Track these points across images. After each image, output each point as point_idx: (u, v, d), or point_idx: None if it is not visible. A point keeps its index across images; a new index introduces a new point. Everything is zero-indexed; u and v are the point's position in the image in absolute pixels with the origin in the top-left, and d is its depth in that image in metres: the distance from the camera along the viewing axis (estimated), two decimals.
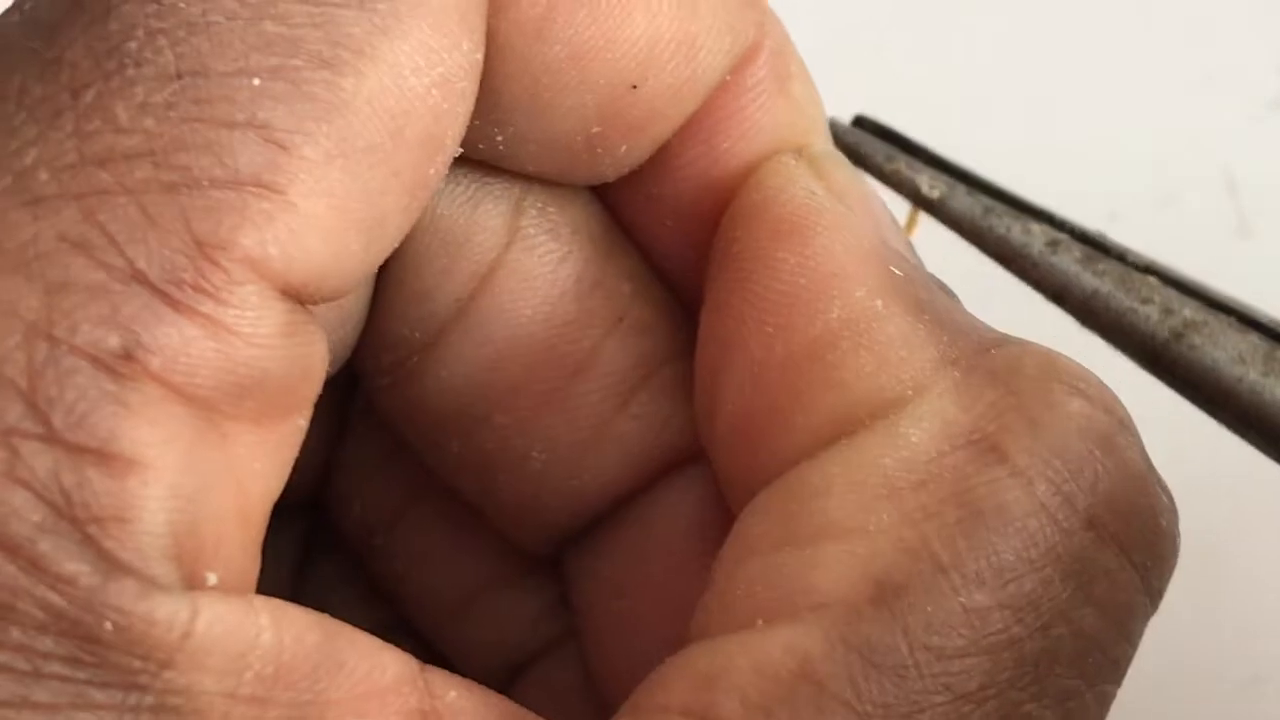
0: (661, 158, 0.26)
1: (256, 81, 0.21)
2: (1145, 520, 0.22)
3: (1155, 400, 0.28)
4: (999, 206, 0.29)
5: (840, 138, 0.29)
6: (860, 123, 0.30)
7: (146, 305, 0.20)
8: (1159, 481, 0.23)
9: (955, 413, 0.22)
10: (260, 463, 0.22)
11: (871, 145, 0.30)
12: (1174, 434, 0.29)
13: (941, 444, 0.22)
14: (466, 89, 0.23)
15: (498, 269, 0.27)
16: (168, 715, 0.19)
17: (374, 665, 0.21)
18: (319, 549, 0.31)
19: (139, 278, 0.20)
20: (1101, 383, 0.23)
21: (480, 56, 0.23)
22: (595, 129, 0.25)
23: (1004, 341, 0.24)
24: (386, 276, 0.27)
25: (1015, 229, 0.29)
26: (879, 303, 0.23)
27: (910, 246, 0.26)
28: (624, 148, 0.25)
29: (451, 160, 0.23)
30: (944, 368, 0.23)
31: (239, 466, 0.21)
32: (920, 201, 0.29)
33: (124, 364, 0.19)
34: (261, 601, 0.20)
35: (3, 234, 0.20)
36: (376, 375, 0.28)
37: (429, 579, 0.30)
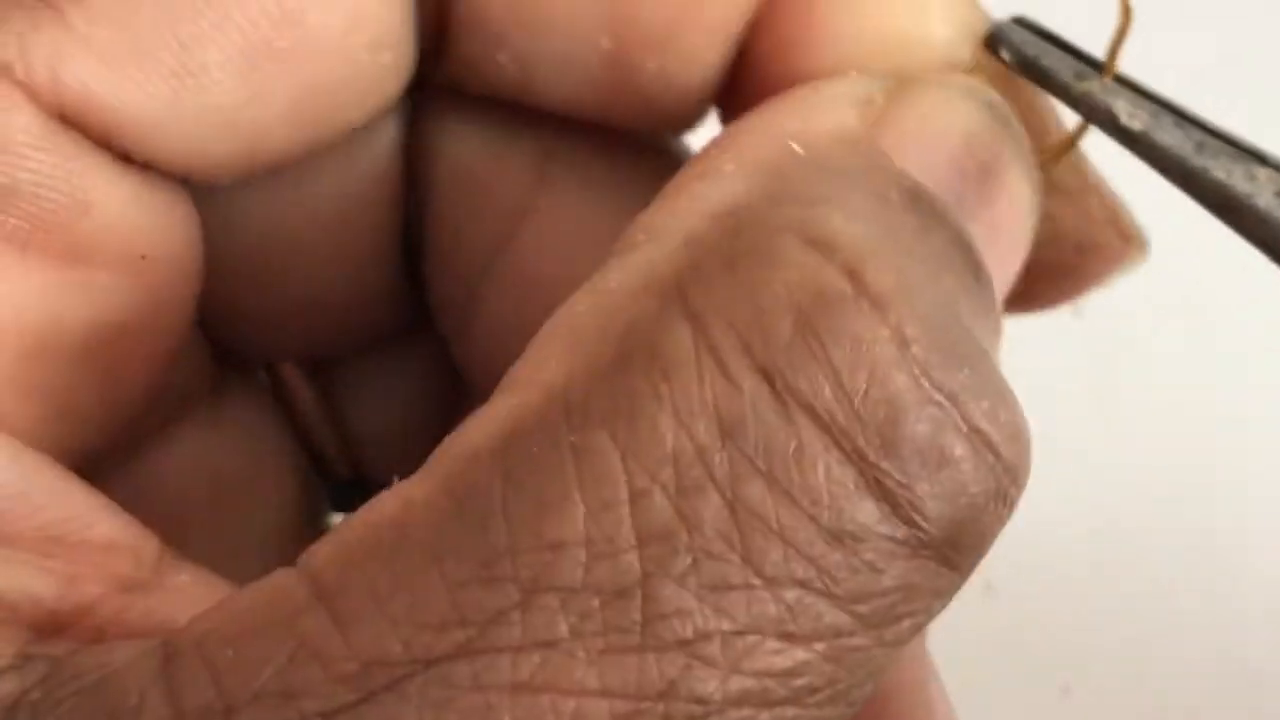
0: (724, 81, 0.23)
1: None
2: (882, 415, 0.19)
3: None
4: (1214, 144, 0.24)
5: (1017, 47, 0.24)
6: (1024, 25, 0.24)
7: None
8: (944, 391, 0.19)
9: (663, 259, 0.20)
10: (20, 293, 0.21)
11: (1056, 59, 0.24)
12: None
13: (635, 290, 0.20)
14: None
15: (529, 215, 0.26)
16: None
17: (80, 519, 0.20)
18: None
19: None
20: (870, 249, 0.19)
21: None
22: (605, 43, 0.23)
23: (785, 209, 0.20)
24: (428, 230, 0.26)
25: (1237, 173, 0.24)
26: (729, 166, 0.21)
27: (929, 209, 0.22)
28: (653, 65, 0.23)
29: (363, 58, 0.22)
30: (694, 218, 0.20)
31: None
32: (1118, 132, 0.24)
33: None
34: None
35: None
36: (449, 337, 0.27)
37: None
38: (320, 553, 0.19)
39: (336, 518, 0.31)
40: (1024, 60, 0.24)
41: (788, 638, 0.18)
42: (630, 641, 0.18)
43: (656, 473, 0.18)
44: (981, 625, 0.42)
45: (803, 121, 0.22)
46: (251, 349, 0.28)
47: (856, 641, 0.19)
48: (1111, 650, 0.43)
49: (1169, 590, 0.44)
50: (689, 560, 0.18)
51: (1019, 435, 0.20)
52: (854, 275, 0.19)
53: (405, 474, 0.29)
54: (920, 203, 0.21)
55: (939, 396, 0.19)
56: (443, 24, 0.24)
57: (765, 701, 0.18)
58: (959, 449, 0.19)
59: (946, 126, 0.22)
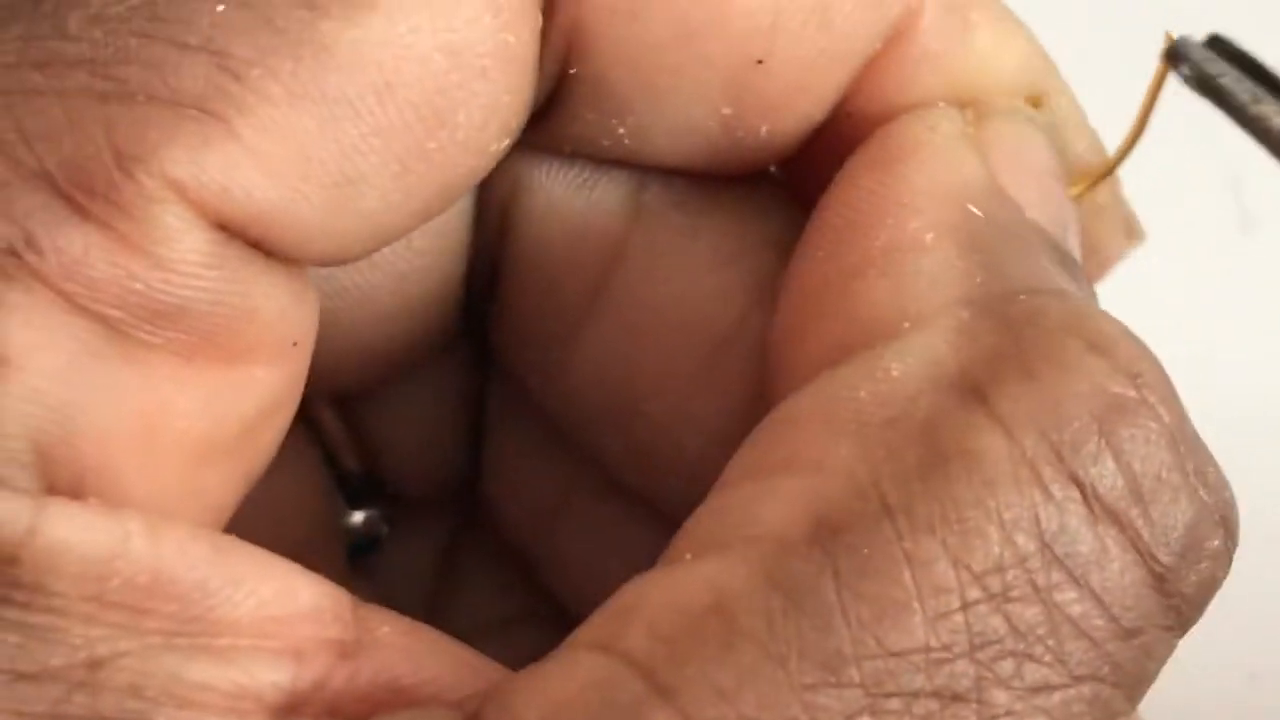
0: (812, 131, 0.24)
1: (221, 8, 0.20)
2: (1165, 512, 0.20)
3: None
4: None
5: (1197, 65, 0.25)
6: (1216, 45, 0.25)
7: (46, 206, 0.19)
8: (1201, 477, 0.21)
9: (945, 352, 0.21)
10: (187, 398, 0.21)
11: (1234, 80, 0.25)
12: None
13: (923, 382, 0.20)
14: (491, 69, 0.21)
15: (625, 249, 0.26)
16: (12, 610, 0.18)
17: (283, 589, 0.20)
18: (469, 545, 0.30)
19: (45, 177, 0.19)
20: (1139, 352, 0.21)
21: (513, 39, 0.22)
22: (726, 110, 0.24)
23: (1045, 293, 0.22)
24: (513, 268, 0.26)
25: None
26: (929, 236, 0.22)
27: (1064, 225, 0.24)
28: (765, 128, 0.24)
29: (485, 148, 0.22)
30: (954, 307, 0.21)
31: (148, 395, 0.20)
32: None
33: (8, 259, 0.19)
34: (134, 512, 0.19)
35: None
36: (525, 371, 0.27)
37: (595, 571, 0.28)
38: (633, 637, 0.19)
39: (355, 516, 0.30)
40: (1202, 78, 0.25)
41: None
42: None
43: (986, 581, 0.19)
44: None
45: (943, 171, 0.23)
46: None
47: (1119, 708, 0.20)
48: None
49: None
50: (1014, 665, 0.19)
51: (1228, 492, 0.21)
52: (1135, 379, 0.20)
53: (423, 477, 0.28)
54: (1058, 252, 0.23)
55: (1203, 492, 0.21)
56: (558, 96, 0.24)
57: None
58: (1217, 539, 0.21)
59: (1032, 159, 0.24)
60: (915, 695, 0.18)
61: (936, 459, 0.19)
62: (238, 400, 0.22)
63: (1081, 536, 0.19)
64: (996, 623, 0.19)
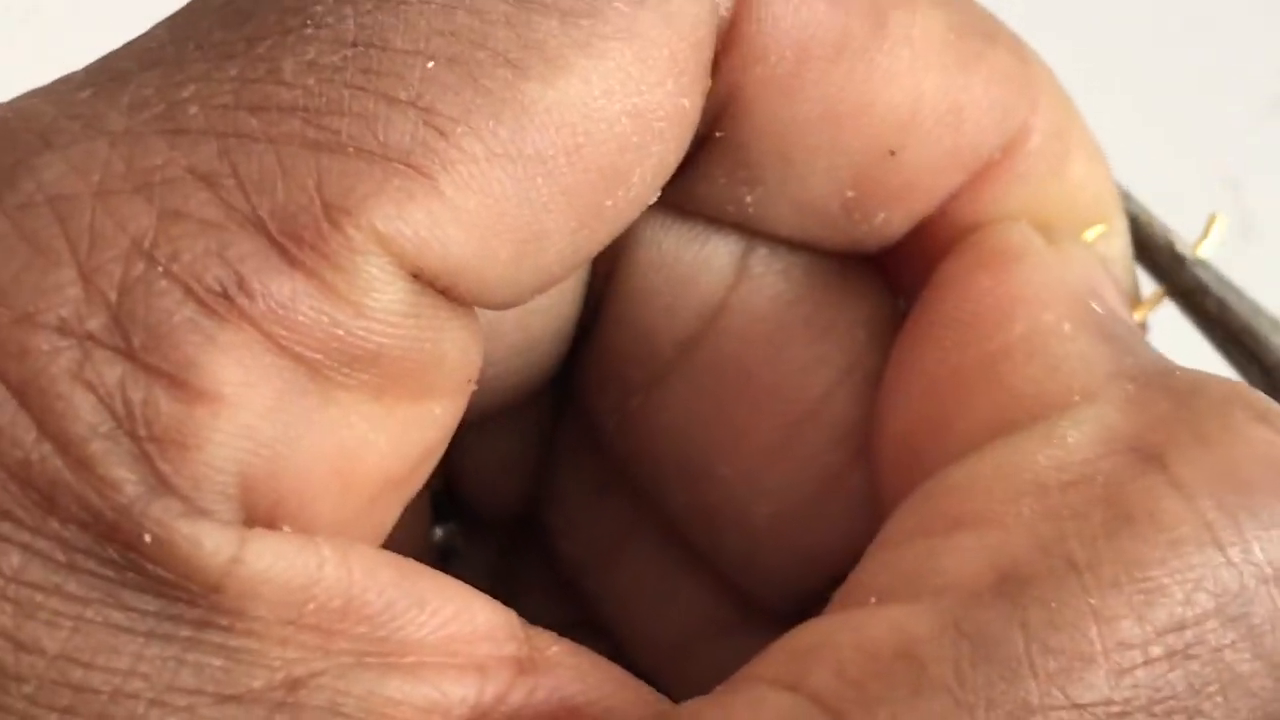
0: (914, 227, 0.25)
1: (431, 65, 0.20)
2: None
3: None
4: None
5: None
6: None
7: (258, 251, 0.19)
8: None
9: (1119, 419, 0.21)
10: (377, 435, 0.21)
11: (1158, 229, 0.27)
12: None
13: (1099, 447, 0.21)
14: (666, 130, 0.22)
15: (724, 309, 0.26)
16: (216, 634, 0.19)
17: (462, 609, 0.20)
18: (524, 576, 0.31)
19: (257, 224, 0.19)
20: None
21: (688, 103, 0.22)
22: (850, 194, 0.24)
23: (1195, 371, 0.22)
24: (611, 312, 0.26)
25: None
26: (1066, 326, 0.22)
27: (1131, 321, 0.25)
28: (881, 216, 0.24)
29: (644, 204, 0.22)
30: (1117, 380, 0.22)
31: (346, 432, 0.21)
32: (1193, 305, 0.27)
33: (220, 301, 0.19)
34: (325, 538, 0.20)
35: (136, 155, 0.19)
36: (602, 413, 0.27)
37: (647, 618, 0.29)
38: (820, 677, 0.19)
39: (436, 530, 0.31)
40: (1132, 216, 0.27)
41: None
42: None
43: (1168, 639, 0.19)
44: None
45: (1059, 272, 0.24)
46: None
47: None
48: None
49: None
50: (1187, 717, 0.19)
51: None
52: None
53: (493, 500, 0.29)
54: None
55: None
56: (696, 155, 0.24)
57: None
58: None
59: (1099, 283, 0.24)
60: None
61: (1120, 518, 0.20)
62: (422, 437, 0.22)
63: (1256, 601, 0.20)
64: (1175, 679, 0.19)
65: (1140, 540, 0.19)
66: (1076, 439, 0.21)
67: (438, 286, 0.21)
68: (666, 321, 0.26)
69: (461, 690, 0.20)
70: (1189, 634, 0.19)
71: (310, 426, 0.20)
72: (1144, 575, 0.19)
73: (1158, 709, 0.19)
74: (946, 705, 0.19)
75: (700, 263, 0.26)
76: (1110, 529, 0.20)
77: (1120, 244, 0.26)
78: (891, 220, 0.24)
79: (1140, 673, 0.19)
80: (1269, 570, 0.20)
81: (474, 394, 0.25)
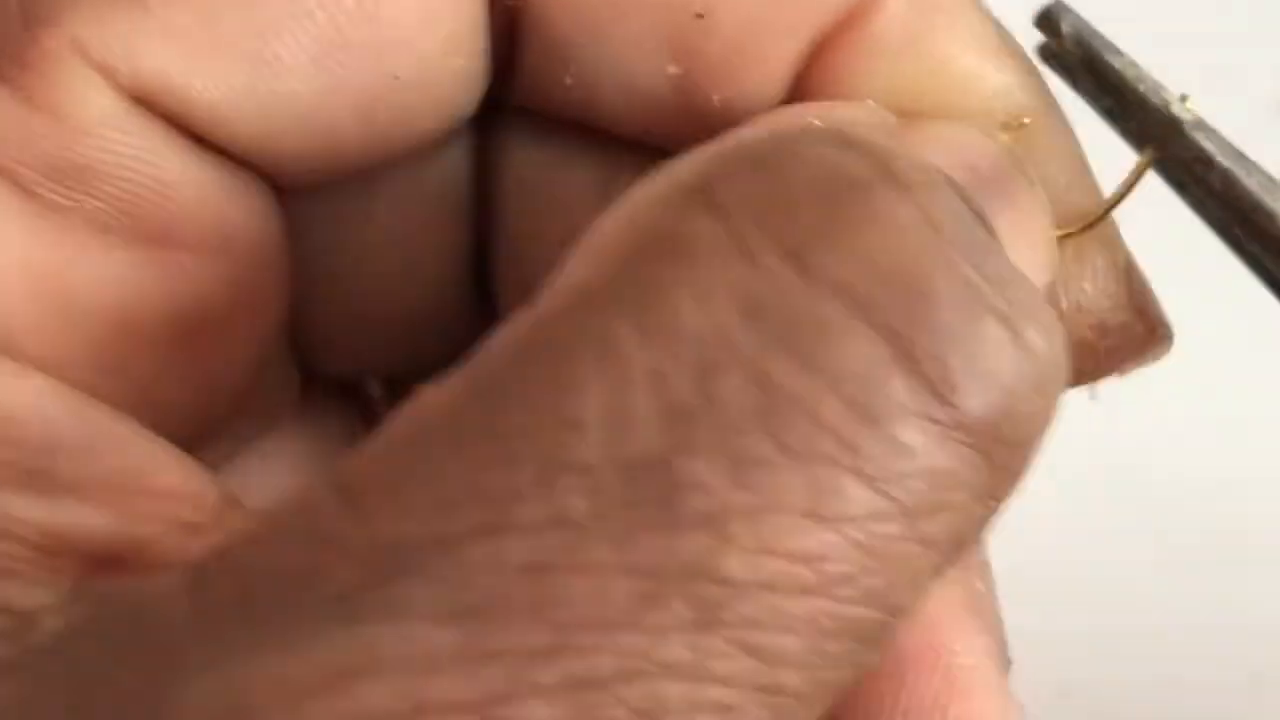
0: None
1: None
2: (907, 291, 0.19)
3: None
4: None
5: (1076, 29, 0.23)
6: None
7: None
8: (981, 270, 0.19)
9: (688, 172, 0.20)
10: (100, 270, 0.21)
11: (1112, 51, 0.23)
12: None
13: (661, 190, 0.20)
14: None
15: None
16: None
17: (140, 468, 0.21)
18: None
19: None
20: (903, 152, 0.20)
21: None
22: (673, 69, 0.23)
23: None
24: (492, 249, 0.27)
25: None
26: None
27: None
28: (716, 98, 0.23)
29: (441, 60, 0.23)
30: (718, 146, 0.21)
31: (57, 254, 0.21)
32: (1170, 131, 0.23)
33: None
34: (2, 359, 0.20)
35: None
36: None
37: None
38: (345, 459, 0.19)
39: None
40: (1080, 39, 0.24)
41: (815, 517, 0.18)
42: (651, 518, 0.18)
43: (678, 352, 0.18)
44: None
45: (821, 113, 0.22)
46: (328, 362, 0.28)
47: (889, 529, 0.18)
48: (1111, 652, 0.43)
49: (1170, 593, 0.44)
50: (712, 436, 0.18)
51: (1056, 333, 0.20)
52: (883, 166, 0.19)
53: None
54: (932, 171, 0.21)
55: (974, 277, 0.19)
56: (513, 40, 0.24)
57: (793, 588, 0.18)
58: (993, 330, 0.19)
59: (960, 144, 0.23)
60: (592, 468, 0.18)
61: (643, 249, 0.19)
62: (164, 284, 0.22)
63: (798, 307, 0.18)
64: (687, 393, 0.18)
65: (656, 262, 0.19)
66: (644, 194, 0.20)
67: (167, 114, 0.21)
68: (540, 248, 0.26)
69: (93, 524, 0.20)
70: (708, 347, 0.18)
71: (7, 235, 0.21)
72: (653, 292, 0.18)
73: (674, 426, 0.18)
74: (437, 448, 0.18)
75: (563, 191, 0.26)
76: (633, 259, 0.19)
77: (1052, 139, 0.24)
78: (732, 104, 0.24)
79: (645, 387, 0.18)
80: (815, 275, 0.19)
81: (390, 339, 0.26)
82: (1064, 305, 0.24)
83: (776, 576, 0.18)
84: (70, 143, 0.21)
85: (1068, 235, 0.24)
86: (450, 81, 0.23)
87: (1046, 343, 0.19)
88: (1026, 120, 0.23)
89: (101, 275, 0.22)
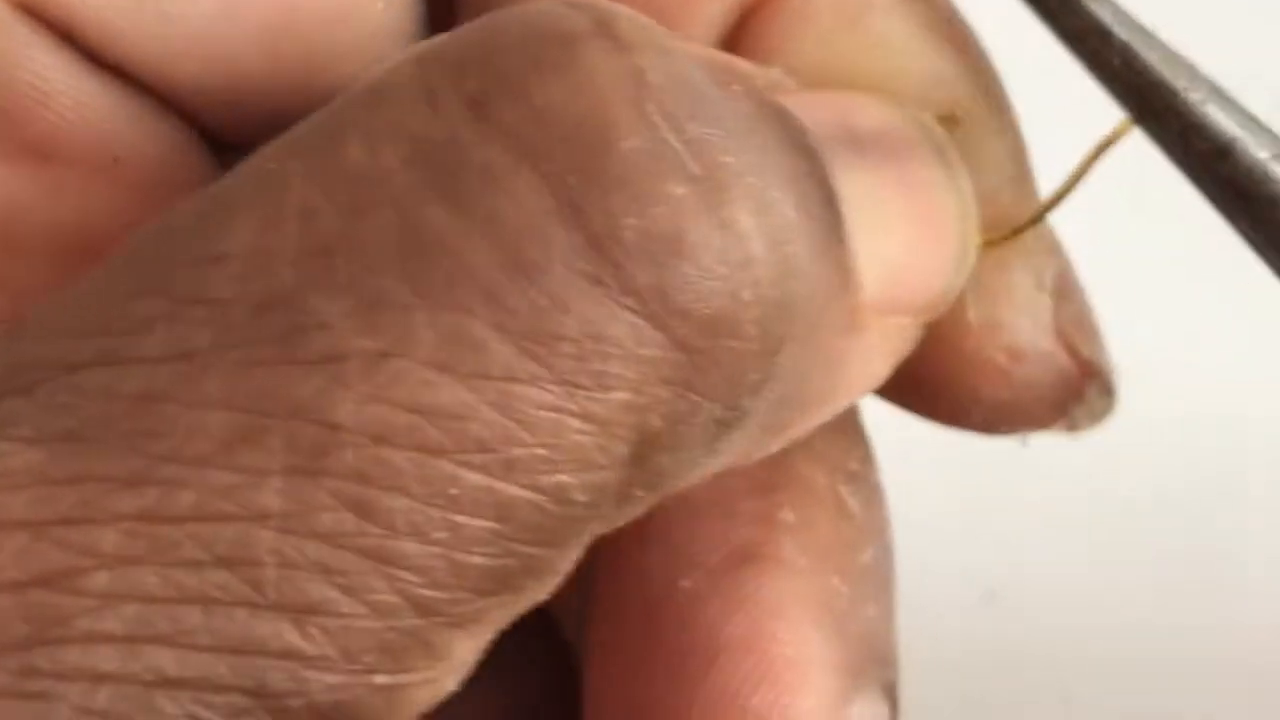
0: None
1: None
2: (585, 143, 0.17)
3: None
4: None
5: None
6: None
7: None
8: (666, 120, 0.18)
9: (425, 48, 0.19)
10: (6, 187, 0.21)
11: None
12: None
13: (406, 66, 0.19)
14: None
15: None
16: None
17: None
18: None
19: None
20: (620, 12, 0.19)
21: None
22: None
23: None
24: None
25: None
26: None
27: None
28: None
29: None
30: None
31: None
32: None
33: None
34: None
35: None
36: None
37: None
38: None
39: None
40: None
41: (443, 368, 0.17)
42: (265, 355, 0.17)
43: (332, 191, 0.17)
44: (982, 634, 0.42)
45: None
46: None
47: (538, 395, 0.17)
48: (1113, 659, 0.43)
49: (1171, 599, 0.44)
50: (346, 276, 0.17)
51: (774, 208, 0.18)
52: (603, 25, 0.18)
53: None
54: (768, 106, 0.20)
55: (672, 140, 0.18)
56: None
57: (410, 443, 0.17)
58: (678, 192, 0.18)
59: (847, 105, 0.21)
60: (223, 303, 0.17)
61: (346, 95, 0.18)
62: (43, 200, 0.22)
63: (465, 154, 0.17)
64: (332, 232, 0.17)
65: (341, 107, 0.18)
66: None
67: (52, 24, 0.21)
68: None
69: None
70: (365, 185, 0.17)
71: None
72: (325, 133, 0.18)
73: (308, 263, 0.17)
74: (86, 284, 0.18)
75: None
76: (323, 110, 0.19)
77: (991, 136, 0.23)
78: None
79: (291, 226, 0.17)
80: (489, 122, 0.18)
81: None
82: (971, 316, 0.22)
83: (391, 429, 0.17)
84: None
85: (991, 242, 0.22)
86: (362, 23, 0.22)
87: (756, 220, 0.18)
88: (956, 113, 0.22)
89: (10, 192, 0.22)
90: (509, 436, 0.17)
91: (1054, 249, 0.23)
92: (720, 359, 0.18)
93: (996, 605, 0.43)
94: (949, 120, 0.22)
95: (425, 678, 0.17)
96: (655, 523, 0.22)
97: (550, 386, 0.17)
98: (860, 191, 0.20)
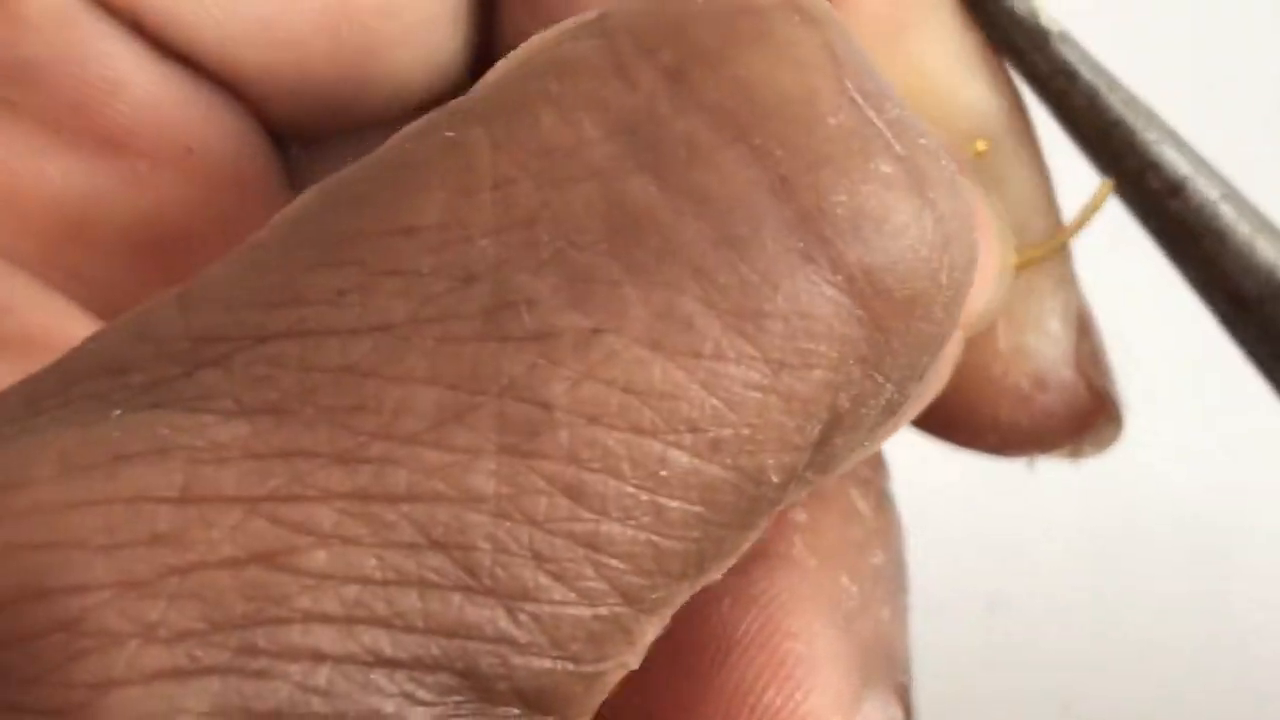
0: None
1: None
2: (792, 117, 0.17)
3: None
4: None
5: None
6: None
7: None
8: (861, 93, 0.18)
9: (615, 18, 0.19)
10: (53, 169, 0.21)
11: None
12: None
13: (566, 24, 0.19)
14: None
15: None
16: None
17: (50, 327, 0.21)
18: None
19: None
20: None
21: None
22: None
23: None
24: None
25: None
26: None
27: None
28: None
29: None
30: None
31: (8, 152, 0.21)
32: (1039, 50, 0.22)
33: None
34: None
35: None
36: None
37: None
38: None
39: None
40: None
41: (655, 346, 0.16)
42: (470, 330, 0.16)
43: (527, 163, 0.17)
44: (984, 642, 0.42)
45: None
46: None
47: (746, 374, 0.17)
48: (1114, 668, 0.43)
49: (1172, 607, 0.44)
50: (551, 250, 0.16)
51: (964, 202, 0.18)
52: (790, 2, 0.18)
53: None
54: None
55: (873, 116, 0.17)
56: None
57: (624, 424, 0.16)
58: (886, 170, 0.17)
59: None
60: (419, 275, 0.17)
61: (522, 68, 0.18)
62: (119, 190, 0.22)
63: (667, 126, 0.17)
64: (532, 204, 0.17)
65: (529, 78, 0.18)
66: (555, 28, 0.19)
67: (119, 13, 0.21)
68: None
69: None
70: (561, 158, 0.17)
71: None
72: (516, 105, 0.17)
73: (509, 237, 0.17)
74: (271, 252, 0.17)
75: None
76: (508, 78, 0.18)
77: (1017, 168, 0.23)
78: None
79: (487, 197, 0.17)
80: (690, 96, 0.17)
81: None
82: (1001, 345, 0.23)
83: (605, 408, 0.16)
84: (17, 38, 0.20)
85: (1025, 263, 0.22)
86: (415, 10, 0.23)
87: (951, 204, 0.18)
88: (981, 145, 0.23)
89: (52, 173, 0.21)
90: (717, 416, 0.16)
91: (1073, 282, 0.23)
92: (910, 341, 0.18)
93: (1000, 614, 0.43)
94: (981, 150, 0.23)
95: (620, 663, 0.17)
96: None
97: (758, 365, 0.17)
98: None
